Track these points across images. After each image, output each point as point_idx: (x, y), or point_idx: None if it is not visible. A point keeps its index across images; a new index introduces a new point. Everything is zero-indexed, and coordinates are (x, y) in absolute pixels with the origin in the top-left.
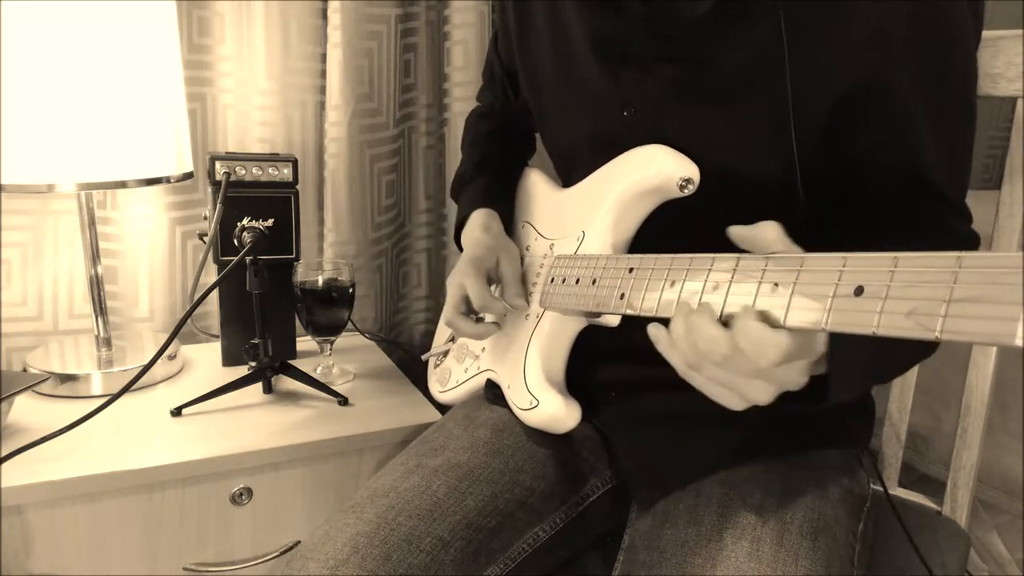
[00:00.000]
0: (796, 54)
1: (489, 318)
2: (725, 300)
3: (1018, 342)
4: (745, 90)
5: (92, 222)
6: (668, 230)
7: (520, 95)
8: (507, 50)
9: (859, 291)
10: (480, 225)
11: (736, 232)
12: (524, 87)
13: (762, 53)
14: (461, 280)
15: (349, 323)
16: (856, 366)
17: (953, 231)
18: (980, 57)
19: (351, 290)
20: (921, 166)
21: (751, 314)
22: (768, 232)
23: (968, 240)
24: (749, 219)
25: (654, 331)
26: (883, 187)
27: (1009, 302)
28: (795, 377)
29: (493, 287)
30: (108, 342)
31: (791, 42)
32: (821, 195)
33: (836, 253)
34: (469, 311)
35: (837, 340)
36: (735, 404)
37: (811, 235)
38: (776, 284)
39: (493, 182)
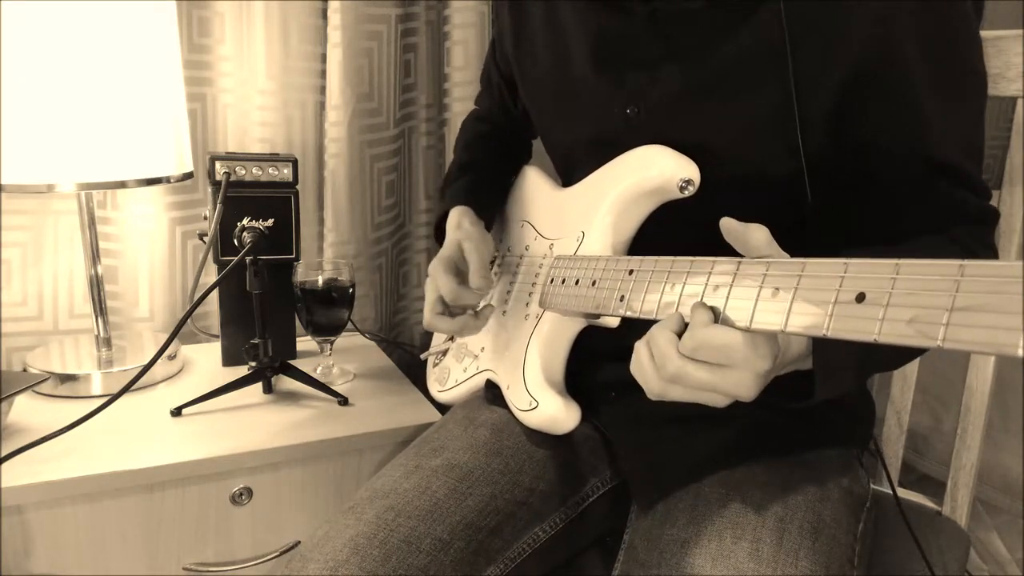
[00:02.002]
0: (798, 45)
1: (478, 308)
2: (725, 304)
3: (1020, 352)
4: (748, 83)
5: (92, 222)
6: (670, 231)
7: (519, 101)
8: (503, 55)
9: (861, 298)
10: (453, 223)
11: (727, 223)
12: (522, 90)
13: (763, 43)
14: (432, 282)
15: (349, 323)
16: (841, 362)
17: (972, 210)
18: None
19: (351, 290)
20: (931, 147)
21: (704, 311)
22: (756, 233)
23: (988, 218)
24: (755, 220)
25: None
26: (895, 178)
27: (1011, 312)
28: (744, 391)
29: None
30: (108, 342)
31: (793, 33)
32: (828, 192)
33: (837, 259)
34: (446, 310)
35: (820, 338)
36: (712, 404)
37: (819, 234)
38: (777, 289)
39: (474, 182)
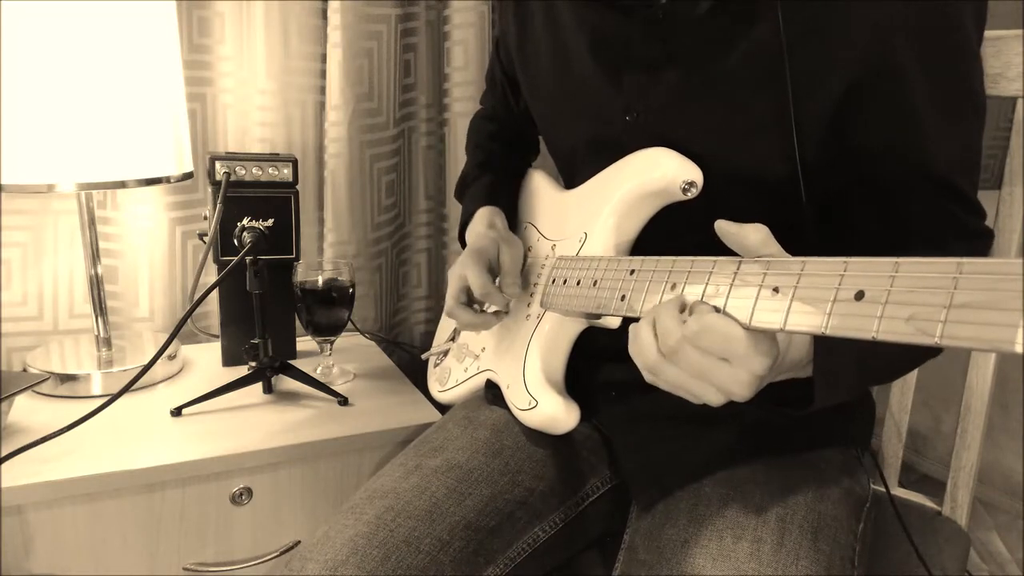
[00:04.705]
0: (796, 51)
1: (491, 309)
2: (726, 304)
3: (1018, 348)
4: (746, 90)
5: (92, 222)
6: (672, 232)
7: (521, 99)
8: (507, 55)
9: (860, 296)
10: (485, 221)
11: (722, 226)
12: (524, 91)
13: (762, 51)
14: (462, 271)
15: (349, 323)
16: (842, 372)
17: (968, 229)
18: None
19: (351, 290)
20: (929, 160)
21: (705, 306)
22: (752, 234)
23: (984, 236)
24: (754, 221)
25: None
26: (891, 187)
27: (1009, 309)
28: (739, 389)
29: (497, 280)
30: (108, 342)
31: (790, 39)
32: (825, 199)
33: (837, 258)
34: (470, 302)
35: (822, 345)
36: (705, 399)
37: (819, 239)
38: (776, 288)
39: (497, 181)
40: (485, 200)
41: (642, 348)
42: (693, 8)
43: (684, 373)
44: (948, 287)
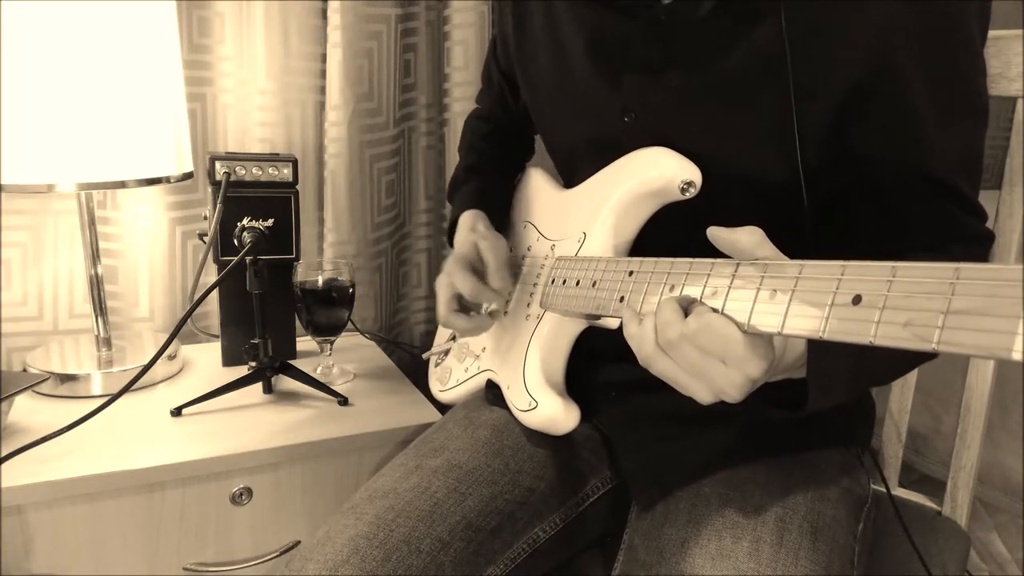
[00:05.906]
0: (798, 54)
1: (486, 310)
2: (723, 305)
3: (1016, 356)
4: (747, 92)
5: (92, 222)
6: (671, 232)
7: (520, 100)
8: (505, 55)
9: (857, 300)
10: (467, 226)
11: (713, 232)
12: (523, 91)
13: (764, 53)
14: (448, 279)
15: (349, 323)
16: (836, 375)
17: (968, 231)
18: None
19: (351, 290)
20: (930, 163)
21: (708, 307)
22: (744, 237)
23: (983, 239)
24: (753, 222)
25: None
26: (892, 191)
27: (1007, 315)
28: (731, 390)
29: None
30: (108, 342)
31: (793, 42)
32: (826, 201)
33: (835, 261)
34: (462, 309)
35: (816, 347)
36: (696, 396)
37: (820, 240)
38: (775, 291)
39: (483, 184)
40: (471, 204)
41: (641, 336)
42: (695, 9)
43: (679, 368)
44: (946, 293)
